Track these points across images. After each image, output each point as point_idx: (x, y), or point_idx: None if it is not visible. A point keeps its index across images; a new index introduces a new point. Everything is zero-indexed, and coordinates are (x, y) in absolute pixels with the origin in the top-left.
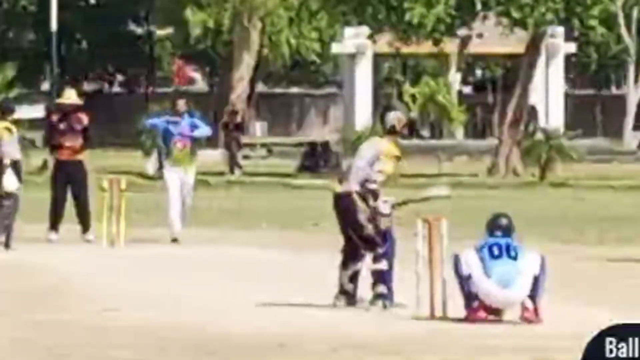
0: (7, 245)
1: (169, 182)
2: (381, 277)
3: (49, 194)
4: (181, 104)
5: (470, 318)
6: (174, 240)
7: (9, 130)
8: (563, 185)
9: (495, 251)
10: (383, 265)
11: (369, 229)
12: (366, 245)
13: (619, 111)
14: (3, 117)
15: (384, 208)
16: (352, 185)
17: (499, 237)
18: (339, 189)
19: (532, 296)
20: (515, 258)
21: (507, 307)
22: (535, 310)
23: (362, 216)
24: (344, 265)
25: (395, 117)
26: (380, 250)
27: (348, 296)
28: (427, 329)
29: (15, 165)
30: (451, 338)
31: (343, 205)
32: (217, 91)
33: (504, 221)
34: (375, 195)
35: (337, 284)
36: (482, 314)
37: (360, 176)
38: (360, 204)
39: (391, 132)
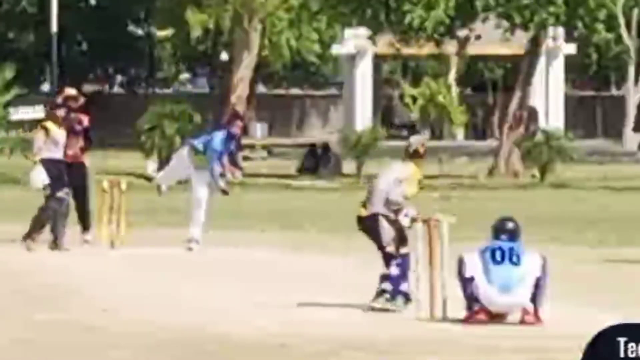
0: (55, 244)
1: (201, 190)
2: (389, 278)
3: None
4: (240, 125)
5: (470, 320)
6: (189, 240)
7: (45, 129)
8: (563, 186)
9: (498, 256)
10: (394, 270)
11: (392, 247)
12: (387, 260)
13: (619, 112)
14: (50, 113)
15: (405, 222)
16: (377, 208)
17: (504, 241)
18: (364, 212)
19: (533, 299)
20: (517, 264)
21: (507, 312)
22: (536, 313)
23: (387, 236)
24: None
25: (418, 141)
26: (397, 260)
27: (406, 296)
28: (427, 329)
29: (47, 164)
30: (451, 339)
31: (367, 226)
32: (217, 92)
33: (510, 225)
34: (397, 213)
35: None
36: (482, 317)
37: (383, 198)
38: (384, 224)
39: (414, 155)
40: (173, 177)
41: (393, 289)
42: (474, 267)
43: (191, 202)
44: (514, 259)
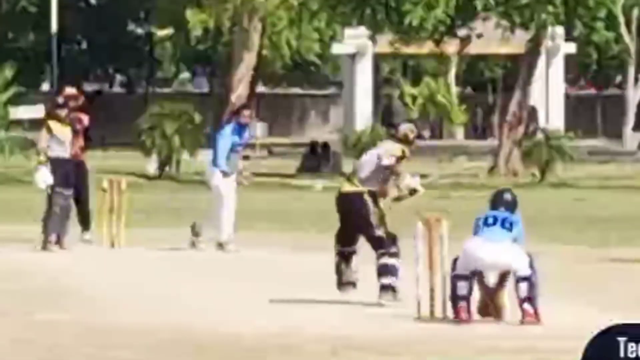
0: (59, 244)
1: (225, 188)
2: (390, 270)
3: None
4: (247, 114)
5: (456, 319)
6: (220, 245)
7: (48, 128)
8: (563, 186)
9: (490, 221)
10: (397, 262)
11: (381, 230)
12: (377, 244)
13: (619, 111)
14: (53, 112)
15: (414, 182)
16: (363, 184)
17: (502, 212)
18: (348, 187)
19: (530, 298)
20: (509, 229)
21: (492, 266)
22: (535, 312)
23: (374, 217)
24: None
25: (408, 128)
26: (394, 250)
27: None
28: (427, 329)
29: (52, 163)
30: (451, 339)
31: (352, 205)
32: (217, 92)
33: (508, 196)
34: (382, 193)
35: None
36: (463, 315)
37: (370, 171)
38: (371, 204)
39: (403, 140)
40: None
41: (396, 281)
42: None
43: (215, 205)
44: (506, 224)
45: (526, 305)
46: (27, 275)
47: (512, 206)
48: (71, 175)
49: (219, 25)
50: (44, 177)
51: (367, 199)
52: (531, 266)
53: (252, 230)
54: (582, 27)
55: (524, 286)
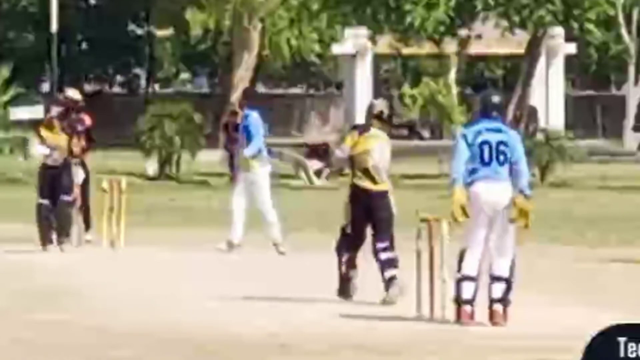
0: (45, 244)
1: (237, 184)
2: (392, 263)
3: None
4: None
5: (459, 321)
6: (230, 244)
7: (40, 136)
8: (563, 186)
9: (486, 155)
10: (394, 254)
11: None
12: (390, 240)
13: (619, 112)
14: (47, 122)
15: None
16: (387, 185)
17: (493, 119)
18: (373, 186)
19: (503, 300)
20: (505, 160)
21: (493, 205)
22: (504, 313)
23: (393, 215)
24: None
25: (382, 104)
26: (392, 244)
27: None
28: (427, 329)
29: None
30: (451, 338)
31: (380, 204)
32: (218, 92)
33: (496, 99)
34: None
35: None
36: (466, 320)
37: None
38: (392, 203)
39: (377, 117)
40: None
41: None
42: (472, 263)
43: (261, 207)
44: (501, 158)
45: (497, 306)
46: (27, 275)
47: (501, 107)
48: (46, 186)
49: (219, 26)
50: (39, 149)
51: (390, 197)
52: (511, 270)
53: (251, 230)
54: (579, 29)
55: (499, 287)
